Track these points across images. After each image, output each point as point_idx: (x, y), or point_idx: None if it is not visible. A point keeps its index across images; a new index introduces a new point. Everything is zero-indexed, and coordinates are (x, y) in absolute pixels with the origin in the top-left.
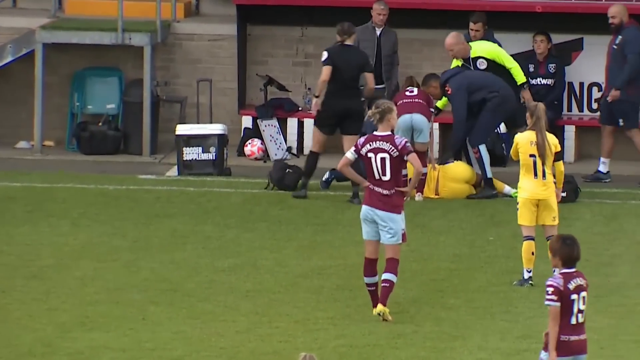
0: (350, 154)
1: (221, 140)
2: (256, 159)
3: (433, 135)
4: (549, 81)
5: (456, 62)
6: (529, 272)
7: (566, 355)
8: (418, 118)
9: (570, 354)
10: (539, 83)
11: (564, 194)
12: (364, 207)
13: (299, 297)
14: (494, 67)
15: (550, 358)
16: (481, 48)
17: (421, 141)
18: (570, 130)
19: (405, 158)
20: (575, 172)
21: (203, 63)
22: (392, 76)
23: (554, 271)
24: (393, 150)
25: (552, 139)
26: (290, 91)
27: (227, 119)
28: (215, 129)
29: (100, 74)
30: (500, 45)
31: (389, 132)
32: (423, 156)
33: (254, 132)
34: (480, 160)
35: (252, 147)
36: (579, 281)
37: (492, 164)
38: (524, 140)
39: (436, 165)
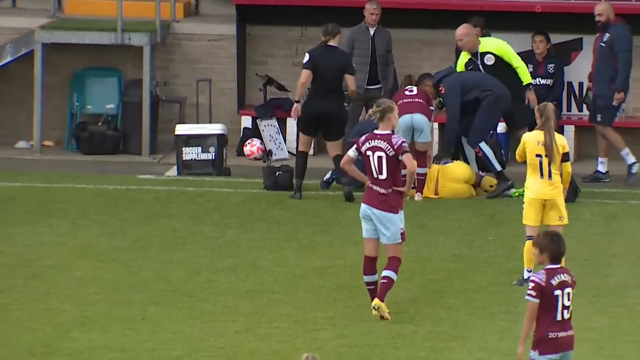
0: (352, 152)
1: (220, 140)
2: (255, 158)
3: (433, 135)
4: (548, 81)
5: (464, 55)
6: (529, 271)
7: (555, 352)
8: (419, 118)
9: (559, 351)
10: (538, 83)
11: None
12: (363, 205)
13: (298, 297)
14: (501, 64)
15: (519, 351)
16: (490, 44)
17: (422, 141)
18: (569, 130)
19: (399, 158)
20: (575, 172)
21: (202, 63)
22: (388, 75)
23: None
24: (389, 149)
25: (560, 139)
26: (289, 91)
27: (227, 119)
28: (215, 129)
29: (100, 74)
30: None
31: (389, 131)
32: (424, 156)
33: (254, 132)
34: (484, 157)
35: (252, 147)
36: (563, 277)
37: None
38: (531, 140)
39: (431, 165)
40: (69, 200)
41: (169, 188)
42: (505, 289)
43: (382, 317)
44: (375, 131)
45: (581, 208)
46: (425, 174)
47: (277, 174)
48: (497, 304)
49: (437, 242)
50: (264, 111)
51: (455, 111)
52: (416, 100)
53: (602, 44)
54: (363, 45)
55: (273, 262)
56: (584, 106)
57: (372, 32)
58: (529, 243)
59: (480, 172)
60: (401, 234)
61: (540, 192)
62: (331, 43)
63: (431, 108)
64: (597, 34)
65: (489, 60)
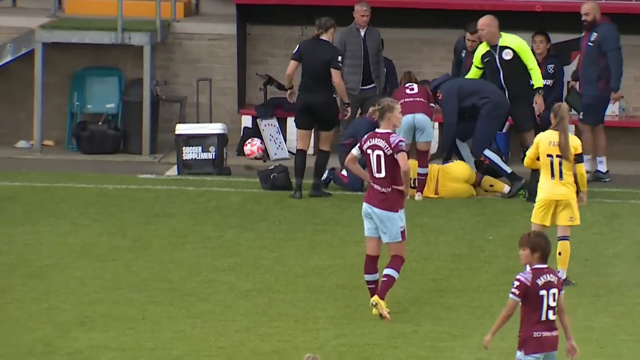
0: (355, 151)
1: (221, 139)
2: (256, 158)
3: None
4: (548, 82)
5: (483, 46)
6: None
7: (539, 352)
8: (421, 118)
9: (542, 351)
10: None
11: None
12: (364, 204)
13: (298, 296)
14: (518, 62)
15: (486, 338)
16: (511, 40)
17: (424, 140)
18: (569, 130)
19: (395, 156)
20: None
21: (203, 62)
22: (380, 74)
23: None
24: (387, 148)
25: (573, 140)
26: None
27: (227, 119)
28: (215, 128)
29: (100, 73)
30: None
31: (388, 130)
32: (425, 155)
33: (254, 132)
34: (492, 163)
35: (252, 146)
36: (549, 277)
37: (493, 173)
38: (544, 140)
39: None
40: (69, 200)
41: (169, 187)
42: (506, 289)
43: (380, 316)
44: (377, 130)
45: (581, 208)
46: (426, 174)
47: (271, 176)
48: (498, 304)
49: (437, 242)
50: (264, 111)
51: (452, 117)
52: (417, 99)
53: (589, 43)
54: (355, 47)
55: (273, 261)
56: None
57: (362, 33)
58: None
59: (482, 174)
60: (401, 232)
61: (551, 192)
62: (323, 37)
63: (432, 105)
64: (584, 33)
65: (507, 55)
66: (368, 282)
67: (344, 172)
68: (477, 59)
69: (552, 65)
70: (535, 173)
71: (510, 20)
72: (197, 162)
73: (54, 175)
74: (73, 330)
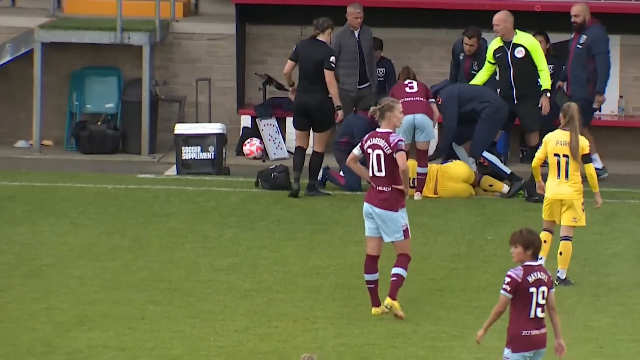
0: (356, 150)
1: (220, 139)
2: (255, 158)
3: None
4: None
5: (497, 42)
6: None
7: (527, 350)
8: (421, 118)
9: (531, 349)
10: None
11: None
12: (365, 204)
13: (297, 296)
14: (528, 61)
15: (479, 334)
16: (525, 38)
17: (423, 140)
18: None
19: (394, 156)
20: None
21: (202, 62)
22: (374, 72)
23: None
24: (386, 147)
25: (581, 140)
26: (289, 90)
27: (226, 118)
28: (214, 128)
29: (99, 73)
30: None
31: (389, 130)
32: (425, 155)
33: (253, 132)
34: (491, 165)
35: (251, 146)
36: (540, 275)
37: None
38: (552, 139)
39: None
40: (69, 200)
41: (169, 187)
42: None
43: (396, 316)
44: (377, 129)
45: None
46: (425, 174)
47: (272, 175)
48: (497, 303)
49: (436, 242)
50: (264, 110)
51: (452, 121)
52: (417, 99)
53: (578, 45)
54: (351, 49)
55: (272, 261)
56: (594, 105)
57: (356, 35)
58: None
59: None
60: (404, 230)
61: (555, 192)
62: (320, 37)
63: (432, 101)
64: (573, 35)
65: (519, 52)
66: (368, 282)
67: (341, 173)
68: (489, 54)
69: (551, 65)
70: None
71: None
72: (196, 161)
73: (53, 175)
74: (72, 330)
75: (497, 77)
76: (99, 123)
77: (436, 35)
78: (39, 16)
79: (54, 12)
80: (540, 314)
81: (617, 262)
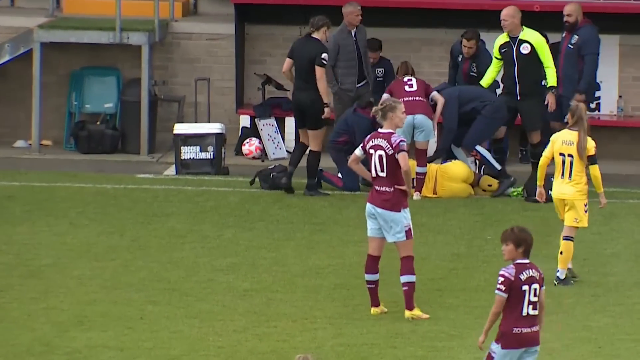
0: (358, 151)
1: (219, 139)
2: (254, 157)
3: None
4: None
5: (503, 37)
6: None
7: (517, 347)
8: (420, 118)
9: (522, 346)
10: None
11: None
12: (368, 204)
13: (297, 296)
14: (533, 58)
15: (480, 339)
16: (531, 35)
17: (422, 139)
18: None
19: (396, 156)
20: None
21: (201, 62)
22: (370, 70)
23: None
24: (388, 148)
25: (588, 141)
26: (288, 90)
27: (225, 118)
28: (213, 128)
29: (98, 73)
30: (489, 53)
31: (390, 130)
32: (424, 155)
33: (252, 131)
34: (483, 159)
35: (250, 146)
36: (532, 272)
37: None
38: (559, 139)
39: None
40: (68, 200)
41: (168, 187)
42: None
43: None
44: (379, 130)
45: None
46: (424, 174)
47: (271, 175)
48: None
49: (435, 241)
50: (263, 110)
51: (452, 122)
52: (417, 99)
53: (569, 45)
54: (349, 49)
55: (272, 261)
56: (592, 106)
57: (353, 34)
58: (562, 243)
59: (481, 173)
60: (406, 231)
61: (558, 191)
62: (315, 35)
63: (434, 94)
64: (564, 34)
65: (525, 49)
66: (368, 282)
67: (338, 174)
68: (495, 49)
69: None
70: (534, 172)
71: None
72: (195, 161)
73: (52, 175)
74: (71, 330)
75: (502, 73)
76: (98, 123)
77: (435, 35)
78: (38, 16)
79: (53, 12)
80: (532, 312)
81: (616, 262)
